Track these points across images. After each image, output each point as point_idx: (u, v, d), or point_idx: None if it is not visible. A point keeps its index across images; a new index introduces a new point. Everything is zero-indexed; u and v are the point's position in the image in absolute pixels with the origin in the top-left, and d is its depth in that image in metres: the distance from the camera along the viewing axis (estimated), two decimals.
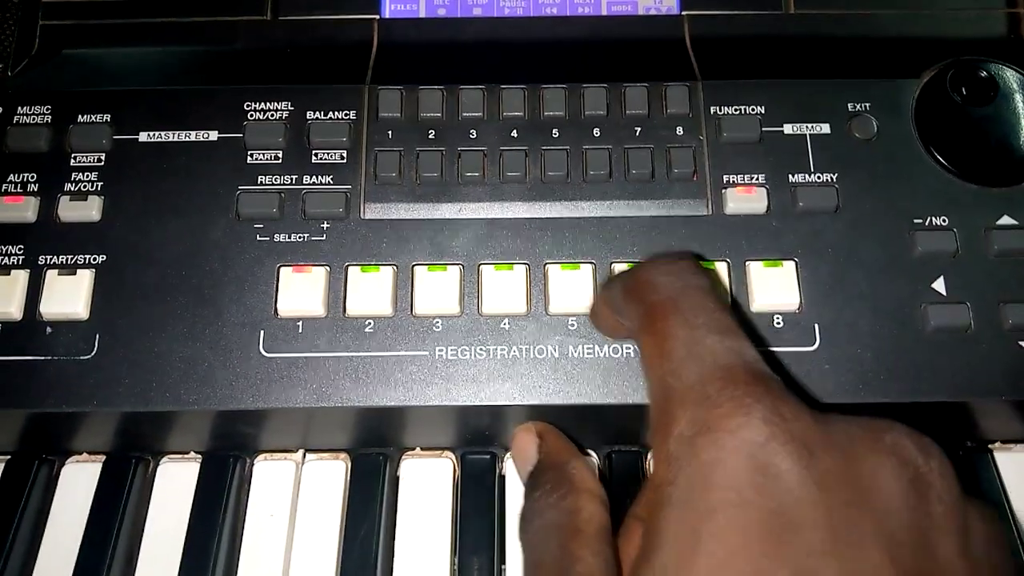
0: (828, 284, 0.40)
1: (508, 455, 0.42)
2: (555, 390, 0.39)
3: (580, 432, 0.41)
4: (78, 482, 0.42)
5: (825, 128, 0.42)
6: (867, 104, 0.43)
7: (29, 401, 0.39)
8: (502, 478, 0.42)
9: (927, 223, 0.41)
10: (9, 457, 0.42)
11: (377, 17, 0.47)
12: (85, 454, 0.43)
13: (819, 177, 0.42)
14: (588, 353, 0.39)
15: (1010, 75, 0.43)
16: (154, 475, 0.42)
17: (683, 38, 0.46)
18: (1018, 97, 0.43)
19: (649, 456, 0.42)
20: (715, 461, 0.24)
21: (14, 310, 0.40)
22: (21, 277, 0.40)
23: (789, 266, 0.40)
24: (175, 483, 0.42)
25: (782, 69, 0.44)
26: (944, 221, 0.41)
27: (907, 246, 0.41)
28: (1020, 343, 0.39)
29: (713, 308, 0.28)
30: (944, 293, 0.40)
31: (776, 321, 0.40)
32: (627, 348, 0.39)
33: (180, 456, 0.43)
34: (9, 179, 0.42)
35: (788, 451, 0.24)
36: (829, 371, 0.39)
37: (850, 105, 0.43)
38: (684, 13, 0.47)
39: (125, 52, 0.46)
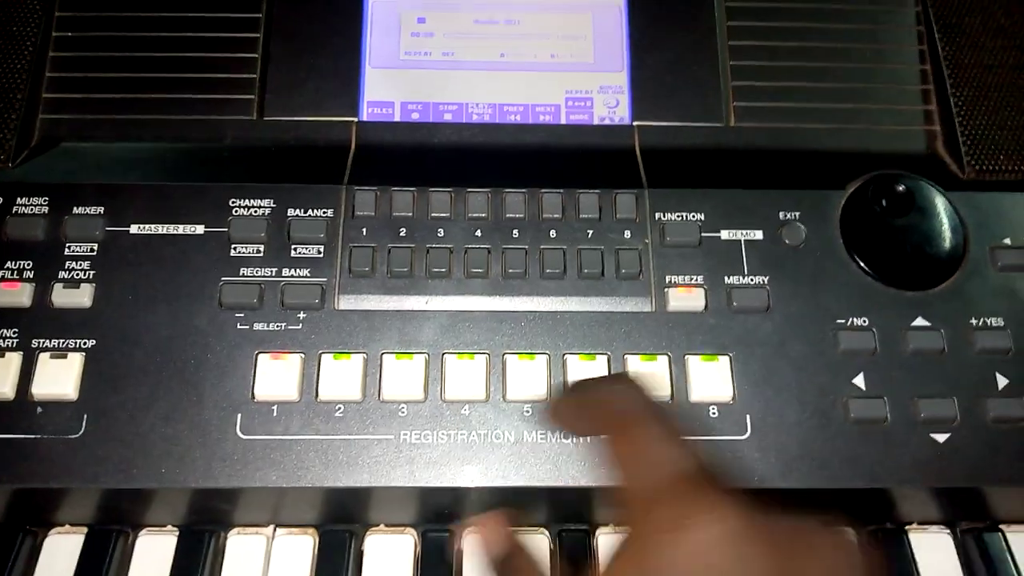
0: (759, 377, 0.44)
1: (467, 531, 0.45)
2: (511, 473, 0.42)
3: (533, 511, 0.44)
4: (61, 552, 0.44)
5: (758, 234, 0.47)
6: (797, 213, 0.47)
7: (18, 477, 0.41)
8: (460, 552, 0.45)
9: (849, 323, 0.45)
10: None
11: (355, 120, 0.51)
12: (68, 525, 0.45)
13: (752, 279, 0.46)
14: (541, 438, 0.43)
15: (926, 188, 0.48)
16: (133, 547, 0.45)
17: (633, 147, 0.50)
18: (932, 209, 0.48)
19: (596, 533, 0.45)
20: (693, 553, 0.27)
21: (7, 390, 0.43)
22: (15, 359, 0.43)
23: (724, 360, 0.44)
24: (153, 555, 0.44)
25: (721, 178, 0.49)
26: (865, 322, 0.45)
27: (831, 344, 0.45)
28: (932, 435, 0.44)
29: (666, 419, 0.32)
30: (864, 388, 0.44)
31: (712, 411, 0.44)
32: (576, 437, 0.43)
33: (158, 529, 0.45)
34: (7, 265, 0.45)
35: (754, 542, 0.27)
36: (759, 458, 0.43)
37: (781, 214, 0.47)
38: (635, 124, 0.51)
39: (120, 147, 0.49)
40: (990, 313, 0.46)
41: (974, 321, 0.46)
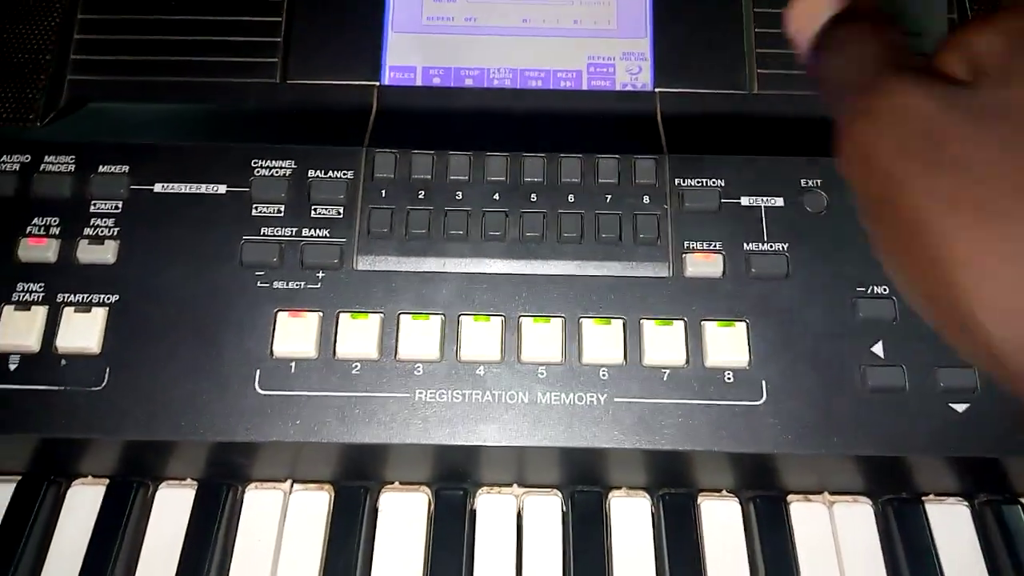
0: (776, 344, 0.44)
1: (480, 491, 0.46)
2: (524, 433, 0.43)
3: (546, 471, 0.45)
4: (83, 503, 0.45)
5: (779, 201, 0.47)
6: (818, 180, 0.47)
7: (43, 427, 0.42)
8: (473, 512, 0.45)
9: (869, 291, 0.45)
10: (20, 478, 0.46)
11: (377, 84, 0.51)
12: (90, 477, 0.46)
13: (771, 246, 0.46)
14: (555, 400, 0.43)
15: None
16: (153, 499, 0.46)
17: (654, 113, 0.50)
18: None
19: (609, 496, 0.45)
20: None
21: (32, 342, 0.44)
22: (40, 313, 0.44)
23: (741, 326, 0.44)
24: (172, 507, 0.45)
25: (742, 145, 0.48)
26: (885, 290, 0.45)
27: (850, 312, 0.45)
28: (951, 405, 0.43)
29: None
30: (882, 356, 0.44)
31: (727, 376, 0.43)
32: (591, 396, 0.43)
33: (177, 482, 0.46)
34: (34, 222, 0.46)
35: None
36: (774, 424, 0.43)
37: (803, 181, 0.47)
38: (657, 90, 0.51)
39: (145, 108, 0.50)
40: None
41: None
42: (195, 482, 0.46)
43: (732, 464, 0.44)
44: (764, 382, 0.43)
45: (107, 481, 0.46)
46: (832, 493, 0.46)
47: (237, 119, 0.50)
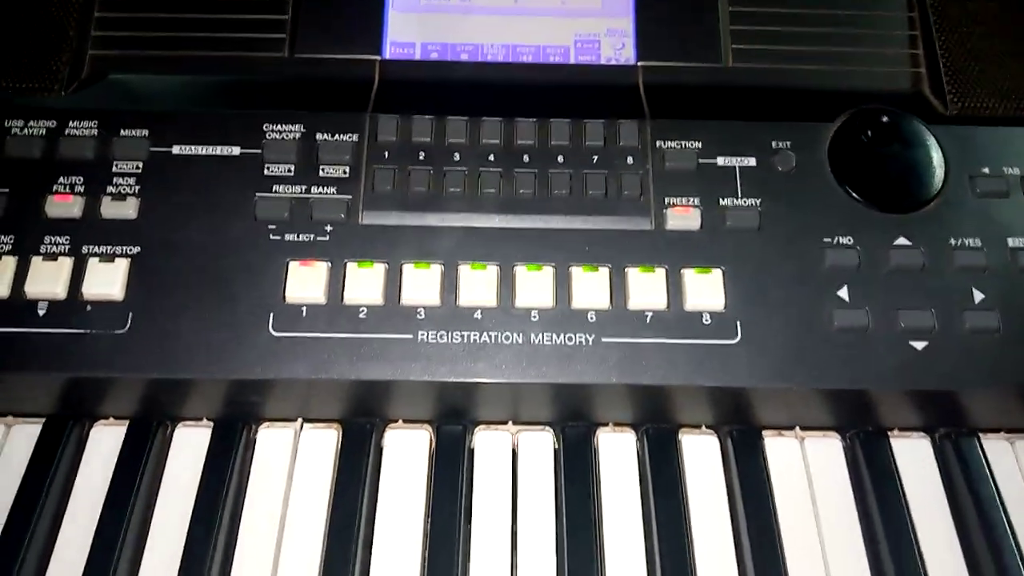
0: (749, 289, 0.48)
1: (478, 428, 0.49)
2: (519, 371, 0.46)
3: (539, 408, 0.48)
4: (105, 442, 0.48)
5: (752, 161, 0.51)
6: (788, 142, 0.51)
7: (70, 366, 0.46)
8: (471, 450, 0.49)
9: (835, 242, 0.49)
10: (46, 419, 0.49)
11: (379, 58, 0.55)
12: (112, 418, 0.49)
13: (745, 201, 0.50)
14: (547, 341, 0.47)
15: (909, 120, 0.52)
16: (171, 438, 0.49)
17: (637, 84, 0.54)
18: (915, 140, 0.51)
19: (598, 431, 0.49)
20: None
21: (60, 290, 0.47)
22: (66, 263, 0.47)
23: (717, 273, 0.48)
24: (190, 445, 0.48)
25: (718, 112, 0.52)
26: (850, 240, 0.49)
27: (817, 260, 0.48)
28: (911, 343, 0.47)
29: None
30: (847, 300, 0.48)
31: (705, 318, 0.47)
32: (580, 337, 0.47)
33: (194, 422, 0.49)
34: (60, 181, 0.49)
35: None
36: (748, 361, 0.46)
37: (774, 142, 0.51)
38: (639, 64, 0.55)
39: (163, 79, 0.54)
40: (968, 234, 0.49)
41: (953, 241, 0.49)
42: (211, 422, 0.49)
43: (710, 399, 0.47)
44: (739, 323, 0.47)
45: (127, 422, 0.49)
46: (803, 429, 0.50)
47: (248, 89, 0.54)
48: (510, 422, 0.50)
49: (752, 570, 0.44)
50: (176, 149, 0.50)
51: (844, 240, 0.49)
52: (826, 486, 0.48)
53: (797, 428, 0.49)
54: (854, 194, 0.50)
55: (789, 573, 0.44)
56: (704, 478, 0.48)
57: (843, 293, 0.48)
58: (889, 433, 0.49)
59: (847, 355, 0.46)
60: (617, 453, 0.48)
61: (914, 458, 0.49)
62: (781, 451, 0.49)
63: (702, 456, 0.48)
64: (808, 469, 0.48)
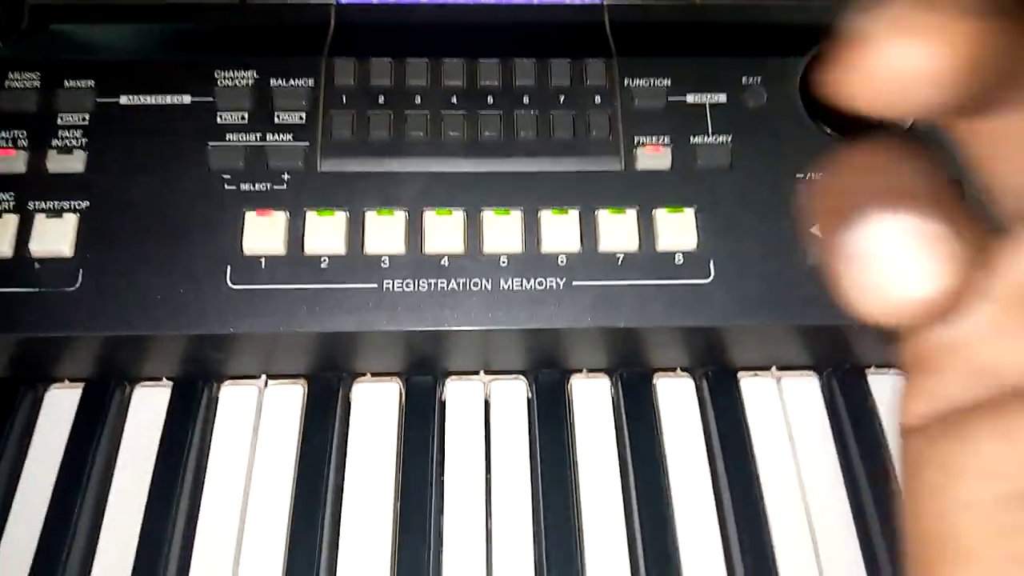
0: (722, 227, 0.47)
1: (448, 379, 0.48)
2: (489, 318, 0.45)
3: (510, 356, 0.47)
4: (60, 405, 0.46)
5: (722, 98, 0.49)
6: (758, 77, 0.50)
7: (20, 326, 0.44)
8: (443, 402, 0.47)
9: (808, 177, 0.48)
10: None
11: (334, 2, 0.53)
12: (67, 380, 0.47)
13: (716, 139, 0.48)
14: (517, 286, 0.45)
15: None
16: (130, 399, 0.47)
17: (603, 23, 0.53)
18: None
19: (571, 378, 0.48)
20: None
21: (5, 248, 0.45)
22: (12, 220, 0.45)
23: (689, 212, 0.47)
24: (149, 406, 0.47)
25: (687, 48, 0.51)
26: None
27: (790, 196, 0.47)
28: None
29: None
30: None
31: (677, 259, 0.46)
32: (550, 281, 0.45)
33: (153, 382, 0.47)
34: (1, 135, 0.47)
35: None
36: (722, 299, 0.45)
37: (744, 78, 0.50)
38: (605, 2, 0.53)
39: (108, 28, 0.51)
40: None
41: None
42: (170, 381, 0.47)
43: (684, 341, 0.47)
44: (712, 262, 0.46)
45: (83, 384, 0.47)
46: (779, 369, 0.49)
47: (198, 35, 0.51)
48: (481, 371, 0.48)
49: (732, 513, 0.43)
50: (124, 99, 0.48)
51: (816, 176, 0.48)
52: (804, 426, 0.47)
53: (773, 368, 0.49)
54: (827, 129, 0.49)
55: (769, 516, 0.43)
56: (680, 421, 0.47)
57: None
58: (866, 371, 0.49)
59: (822, 292, 0.45)
60: (591, 399, 0.47)
61: (892, 395, 0.48)
62: (758, 391, 0.48)
63: (678, 399, 0.47)
64: (785, 409, 0.47)
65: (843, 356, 0.48)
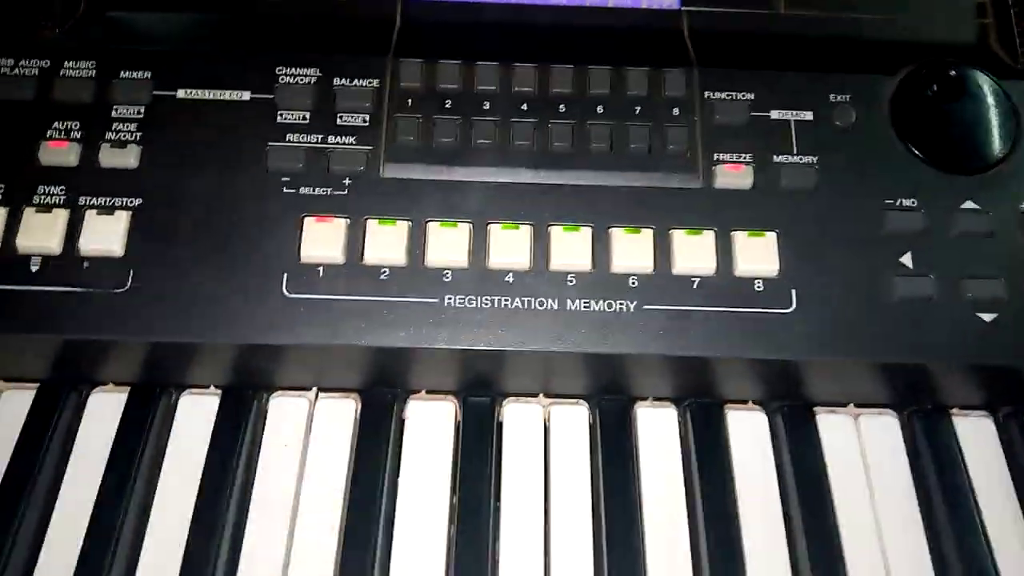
0: (805, 254, 0.44)
1: (507, 401, 0.45)
2: (553, 339, 0.42)
3: (573, 379, 0.44)
4: (104, 410, 0.45)
5: (808, 115, 0.46)
6: (848, 96, 0.47)
7: (65, 328, 0.42)
8: (499, 424, 0.45)
9: (898, 204, 0.45)
10: (40, 384, 0.45)
11: None
12: (111, 384, 0.46)
13: (801, 159, 0.46)
14: (584, 307, 0.43)
15: (978, 75, 0.48)
16: (175, 406, 0.45)
17: (682, 30, 0.50)
18: (984, 95, 0.47)
19: (636, 405, 0.45)
20: None
21: (54, 244, 0.43)
22: (62, 215, 0.44)
23: (771, 236, 0.44)
24: (196, 414, 0.45)
25: (772, 61, 0.48)
26: (913, 203, 0.45)
27: (878, 223, 0.44)
28: (979, 314, 0.43)
29: None
30: (911, 267, 0.44)
31: (757, 285, 0.43)
32: (620, 303, 0.43)
33: (201, 390, 0.45)
34: (54, 126, 0.45)
35: None
36: (803, 331, 0.43)
37: (832, 96, 0.47)
38: (683, 8, 0.51)
39: (167, 16, 0.49)
40: None
41: None
42: (219, 390, 0.45)
43: (760, 373, 0.44)
44: (793, 291, 0.43)
45: (128, 388, 0.45)
46: (857, 405, 0.46)
47: (261, 28, 0.49)
48: (541, 394, 0.46)
49: (806, 558, 0.41)
50: (181, 93, 0.46)
51: (907, 202, 0.45)
52: (884, 467, 0.44)
53: (851, 405, 0.46)
54: (918, 153, 0.46)
55: (846, 561, 0.41)
56: (752, 457, 0.44)
57: (906, 260, 0.44)
58: (951, 411, 0.46)
59: (910, 327, 0.43)
60: (657, 429, 0.45)
61: (977, 439, 0.45)
62: (835, 429, 0.45)
63: (750, 434, 0.45)
64: (863, 449, 0.45)
65: (925, 395, 0.46)
